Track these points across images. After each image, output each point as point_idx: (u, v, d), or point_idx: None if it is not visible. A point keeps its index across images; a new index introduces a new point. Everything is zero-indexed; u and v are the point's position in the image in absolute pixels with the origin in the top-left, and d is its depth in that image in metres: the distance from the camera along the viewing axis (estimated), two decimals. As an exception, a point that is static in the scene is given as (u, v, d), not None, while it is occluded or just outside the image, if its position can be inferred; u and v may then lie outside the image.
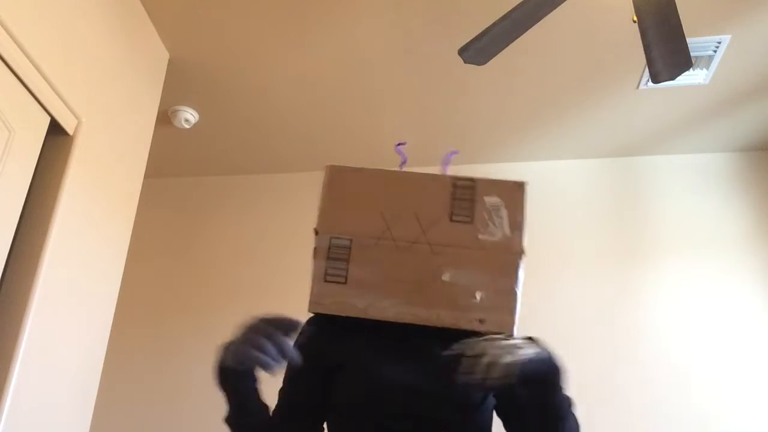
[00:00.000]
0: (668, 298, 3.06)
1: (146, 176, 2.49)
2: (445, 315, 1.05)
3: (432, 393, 1.03)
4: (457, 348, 0.92)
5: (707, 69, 2.72)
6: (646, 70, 2.63)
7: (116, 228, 2.24)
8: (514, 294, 1.09)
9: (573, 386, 3.28)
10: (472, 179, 1.14)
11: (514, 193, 1.17)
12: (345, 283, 1.07)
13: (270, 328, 0.91)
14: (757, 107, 2.99)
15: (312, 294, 1.08)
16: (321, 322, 1.13)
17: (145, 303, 3.31)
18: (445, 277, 1.07)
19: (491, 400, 1.07)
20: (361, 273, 1.07)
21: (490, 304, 1.07)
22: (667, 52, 1.96)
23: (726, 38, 2.54)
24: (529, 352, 0.92)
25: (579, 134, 3.27)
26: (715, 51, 2.61)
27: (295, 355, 0.93)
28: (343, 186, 1.14)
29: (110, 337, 2.19)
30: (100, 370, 2.13)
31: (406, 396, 1.03)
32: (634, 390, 2.88)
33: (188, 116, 3.07)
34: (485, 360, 0.87)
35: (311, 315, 1.13)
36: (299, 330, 0.94)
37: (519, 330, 1.07)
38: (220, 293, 3.30)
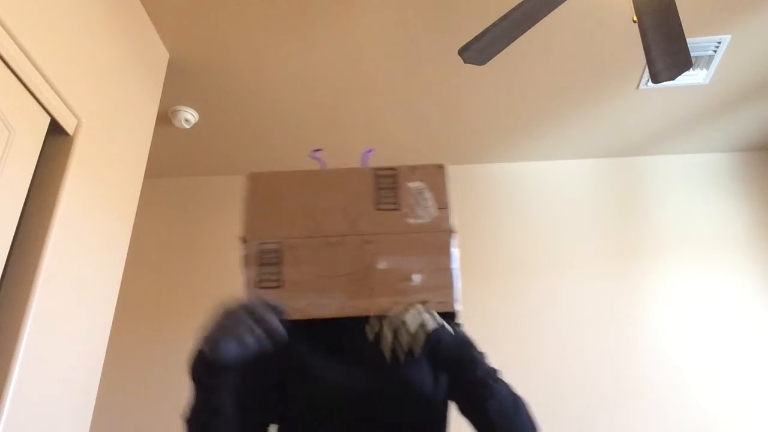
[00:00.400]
0: (668, 298, 3.06)
1: (146, 176, 2.49)
2: (386, 302, 1.05)
3: (380, 393, 1.02)
4: (371, 329, 0.95)
5: (707, 69, 2.72)
6: (646, 70, 2.64)
7: (116, 228, 2.24)
8: (450, 271, 1.09)
9: (572, 385, 3.28)
10: (392, 168, 1.16)
11: (435, 175, 1.17)
12: (280, 286, 1.06)
13: (253, 311, 0.89)
14: (757, 107, 2.99)
15: None
16: None
17: (145, 303, 3.31)
18: (381, 264, 1.07)
19: (440, 394, 1.06)
20: (295, 274, 1.07)
21: (428, 285, 1.07)
22: (667, 52, 1.96)
23: (726, 38, 2.54)
24: (434, 321, 0.97)
25: (579, 134, 3.27)
26: (715, 51, 2.61)
27: (283, 332, 0.91)
28: (266, 191, 1.14)
29: (110, 337, 2.19)
30: (100, 370, 2.12)
31: (355, 400, 1.02)
32: (633, 389, 2.88)
33: (188, 116, 3.07)
34: (403, 329, 0.92)
35: None
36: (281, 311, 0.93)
37: (460, 309, 1.09)
38: (220, 293, 3.30)
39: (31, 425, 1.74)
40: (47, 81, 1.82)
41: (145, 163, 2.47)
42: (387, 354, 0.97)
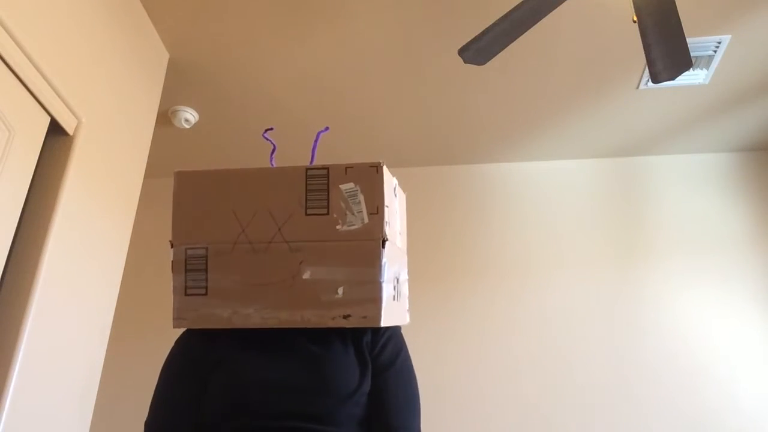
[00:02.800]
0: (668, 298, 3.06)
1: (146, 176, 2.49)
2: (309, 315, 1.02)
3: (303, 387, 1.01)
4: None
5: (707, 69, 2.72)
6: (646, 70, 2.63)
7: (116, 228, 2.24)
8: (378, 284, 1.02)
9: (572, 385, 3.28)
10: (324, 167, 1.08)
11: (370, 176, 1.08)
12: (206, 294, 1.04)
13: None
14: (757, 107, 2.99)
15: (174, 309, 1.05)
16: (183, 341, 1.12)
17: (145, 303, 3.31)
18: (306, 275, 1.03)
19: (364, 390, 1.05)
20: (220, 281, 1.05)
21: (354, 298, 1.02)
22: (667, 52, 1.96)
23: (726, 38, 2.54)
24: None
25: (579, 134, 3.27)
26: (715, 51, 2.61)
27: None
28: (194, 192, 1.10)
29: (110, 337, 2.19)
30: (100, 371, 2.12)
31: (278, 394, 1.01)
32: (633, 389, 2.88)
33: (188, 116, 3.07)
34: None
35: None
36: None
37: (390, 321, 1.06)
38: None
39: (31, 425, 1.73)
40: (47, 81, 1.82)
41: (145, 163, 2.47)
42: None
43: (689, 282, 3.08)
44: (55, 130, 1.90)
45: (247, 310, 1.03)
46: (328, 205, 1.06)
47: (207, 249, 1.06)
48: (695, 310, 3.02)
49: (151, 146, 2.54)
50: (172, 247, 1.07)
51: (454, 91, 2.92)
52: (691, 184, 3.32)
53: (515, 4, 1.91)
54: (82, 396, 2.02)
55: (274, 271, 1.04)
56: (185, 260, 1.06)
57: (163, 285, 3.38)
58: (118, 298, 2.25)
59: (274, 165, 1.24)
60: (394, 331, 1.15)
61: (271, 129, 1.35)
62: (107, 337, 2.17)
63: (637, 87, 2.87)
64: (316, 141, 1.23)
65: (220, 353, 1.06)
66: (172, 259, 1.06)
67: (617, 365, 2.94)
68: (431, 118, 3.14)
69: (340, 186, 1.07)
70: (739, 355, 2.89)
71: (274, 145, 1.31)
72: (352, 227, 1.05)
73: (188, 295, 1.04)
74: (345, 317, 1.02)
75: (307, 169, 1.08)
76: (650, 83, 2.76)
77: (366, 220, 1.05)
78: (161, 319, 3.28)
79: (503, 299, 3.15)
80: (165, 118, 3.04)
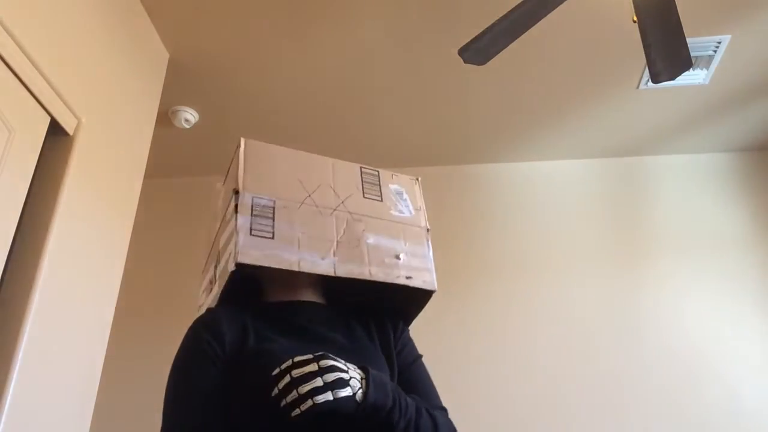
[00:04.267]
0: (668, 298, 3.06)
1: (146, 176, 2.49)
2: (376, 271, 1.09)
3: None
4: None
5: (707, 69, 2.72)
6: (646, 70, 2.63)
7: (116, 228, 2.23)
8: (430, 258, 1.18)
9: (573, 385, 3.27)
10: (375, 169, 1.24)
11: (412, 185, 1.27)
12: (272, 237, 1.05)
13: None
14: (757, 107, 2.99)
15: (238, 245, 1.02)
16: (198, 335, 1.01)
17: (145, 303, 3.31)
18: (369, 240, 1.13)
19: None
20: (288, 230, 1.07)
21: (412, 265, 1.14)
22: (667, 52, 1.96)
23: (726, 38, 2.54)
24: (343, 393, 0.85)
25: (579, 134, 3.27)
26: (715, 51, 2.61)
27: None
28: (261, 157, 1.16)
29: (110, 337, 2.18)
30: (100, 371, 2.12)
31: None
32: (633, 389, 2.88)
33: (188, 116, 3.07)
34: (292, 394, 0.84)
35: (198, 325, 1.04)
36: None
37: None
38: (220, 293, 3.30)
39: (31, 425, 1.73)
40: (47, 81, 1.82)
41: (145, 163, 2.47)
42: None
43: (689, 281, 3.08)
44: (55, 130, 1.90)
45: (315, 258, 1.06)
46: (381, 194, 1.21)
47: (274, 202, 1.09)
48: (695, 309, 3.02)
49: (151, 146, 2.54)
50: (236, 193, 1.08)
51: (454, 91, 2.92)
52: (691, 184, 3.32)
53: (515, 4, 1.91)
54: (82, 396, 2.02)
55: (339, 232, 1.11)
56: (251, 206, 1.07)
57: (163, 285, 3.38)
58: (118, 298, 2.25)
59: None
60: (407, 330, 1.22)
61: None
62: (107, 337, 2.17)
63: (637, 87, 2.87)
64: None
65: (258, 344, 0.99)
66: (236, 203, 1.06)
67: (617, 365, 2.94)
68: (431, 118, 3.14)
69: (389, 185, 1.23)
70: (739, 355, 2.89)
71: None
72: (403, 215, 1.20)
73: (254, 235, 1.04)
74: (407, 278, 1.12)
75: (361, 166, 1.23)
76: (650, 83, 2.76)
77: (413, 213, 1.22)
78: (162, 319, 3.28)
79: (501, 299, 3.15)
80: (165, 118, 3.04)
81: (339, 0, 2.40)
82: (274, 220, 1.07)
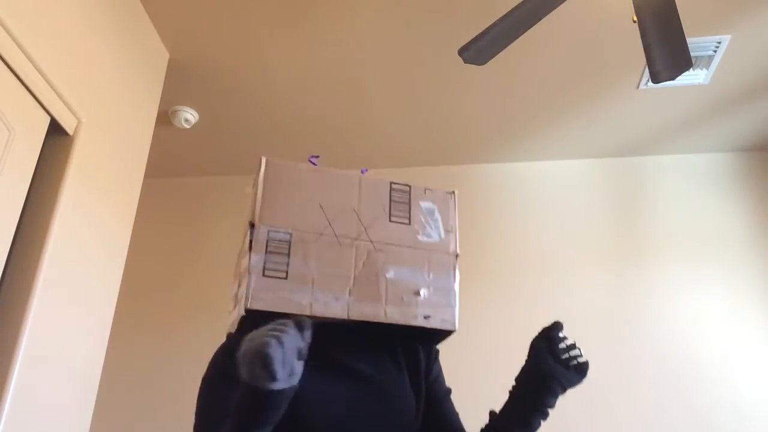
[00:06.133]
0: (668, 298, 3.06)
1: (146, 176, 2.49)
2: (392, 311, 1.04)
3: (370, 412, 0.98)
4: None
5: (707, 69, 2.72)
6: (646, 70, 2.63)
7: (116, 228, 2.24)
8: (454, 292, 1.11)
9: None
10: (407, 184, 1.17)
11: (446, 200, 1.19)
12: (285, 278, 1.02)
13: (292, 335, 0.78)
14: (757, 107, 2.99)
15: (249, 288, 1.00)
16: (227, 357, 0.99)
17: (145, 303, 3.31)
18: (389, 274, 1.07)
19: (419, 421, 1.05)
20: (303, 268, 1.03)
21: (433, 302, 1.08)
22: (667, 52, 1.96)
23: (726, 38, 2.54)
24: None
25: (579, 134, 3.27)
26: (715, 51, 2.61)
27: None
28: (282, 180, 1.10)
29: (110, 337, 2.19)
30: (100, 370, 2.12)
31: (342, 419, 0.97)
32: (632, 389, 2.88)
33: (188, 116, 3.07)
34: None
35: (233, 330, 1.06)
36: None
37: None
38: (220, 293, 3.29)
39: (31, 425, 1.74)
40: (47, 81, 1.82)
41: (145, 163, 2.47)
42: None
43: (689, 282, 3.08)
44: (55, 130, 1.90)
45: (328, 299, 1.02)
46: (409, 216, 1.13)
47: (291, 235, 1.05)
48: (694, 309, 3.02)
49: (151, 146, 2.54)
50: (252, 227, 1.04)
51: (454, 91, 2.92)
52: (691, 184, 3.32)
53: (515, 4, 1.91)
54: (82, 396, 2.02)
55: (358, 266, 1.06)
56: (267, 242, 1.03)
57: (164, 285, 3.38)
58: (118, 298, 2.25)
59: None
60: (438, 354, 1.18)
61: (317, 157, 1.35)
62: (107, 337, 2.17)
63: (637, 87, 2.87)
64: None
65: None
66: (250, 238, 1.03)
67: (616, 365, 2.94)
68: (431, 118, 3.14)
69: (420, 202, 1.16)
70: (739, 356, 2.89)
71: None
72: (431, 239, 1.13)
73: (266, 276, 1.01)
74: (425, 317, 1.06)
75: (392, 182, 1.16)
76: (650, 83, 2.76)
77: (443, 236, 1.14)
78: (162, 319, 3.29)
79: (502, 299, 3.15)
80: (165, 118, 3.04)
81: (339, 1, 2.40)
82: (289, 257, 1.03)
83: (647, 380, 2.89)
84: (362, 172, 1.28)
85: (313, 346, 0.95)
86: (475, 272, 3.23)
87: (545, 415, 1.03)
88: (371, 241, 1.08)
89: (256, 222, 1.05)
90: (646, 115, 3.08)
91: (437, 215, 1.16)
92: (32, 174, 1.81)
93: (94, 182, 2.07)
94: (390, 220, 1.11)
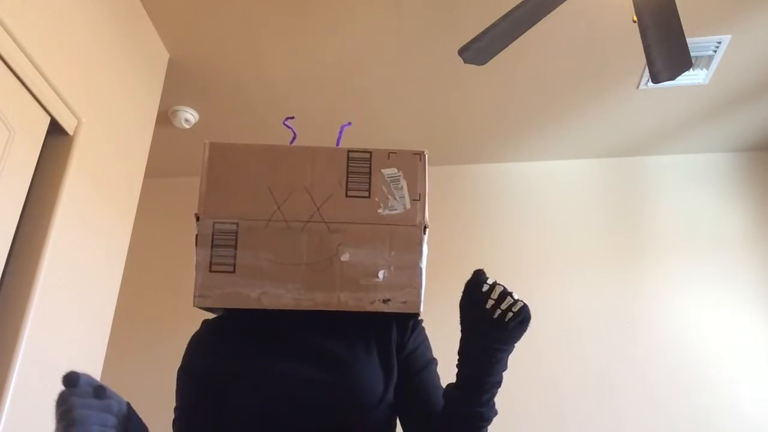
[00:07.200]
0: (668, 297, 3.06)
1: (146, 176, 2.49)
2: (346, 298, 0.98)
3: (327, 399, 0.96)
4: None
5: (707, 69, 2.72)
6: (646, 70, 2.63)
7: (116, 228, 2.24)
8: (419, 269, 1.01)
9: (573, 385, 3.26)
10: (367, 150, 1.05)
11: (413, 163, 1.05)
12: (233, 272, 0.98)
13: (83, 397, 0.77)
14: (757, 107, 2.99)
15: (196, 287, 0.98)
16: (204, 334, 1.05)
17: (145, 303, 3.31)
18: (344, 257, 0.99)
19: (388, 401, 1.01)
20: (250, 259, 0.98)
21: (394, 282, 0.99)
22: (667, 52, 1.96)
23: (726, 38, 2.54)
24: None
25: (579, 134, 3.27)
26: (715, 51, 2.61)
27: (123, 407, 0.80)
28: (227, 164, 1.04)
29: (110, 337, 2.19)
30: (100, 371, 2.13)
31: (300, 407, 0.96)
32: (632, 390, 2.88)
33: (188, 116, 3.07)
34: None
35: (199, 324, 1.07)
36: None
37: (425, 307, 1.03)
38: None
39: (31, 425, 1.73)
40: (47, 81, 1.82)
41: (145, 163, 2.47)
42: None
43: (688, 282, 3.08)
44: (55, 130, 1.90)
45: (279, 290, 0.97)
46: (369, 188, 1.03)
47: (237, 224, 1.00)
48: (694, 310, 3.02)
49: (151, 146, 2.54)
50: (197, 220, 1.00)
51: (454, 91, 2.92)
52: (691, 184, 3.32)
53: (515, 4, 1.91)
54: (82, 396, 2.01)
55: (310, 252, 0.99)
56: (212, 235, 0.99)
57: (164, 285, 3.38)
58: (118, 297, 2.25)
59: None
60: (421, 327, 1.11)
61: (292, 118, 1.30)
62: (107, 337, 2.17)
63: (637, 87, 2.87)
64: (340, 135, 1.19)
65: (239, 363, 0.99)
66: (196, 232, 0.99)
67: (616, 366, 2.94)
68: (431, 118, 3.14)
69: (382, 170, 1.04)
70: (739, 357, 2.89)
71: (294, 134, 1.24)
72: (394, 212, 1.02)
73: (213, 271, 0.98)
74: (384, 301, 0.99)
75: (349, 151, 1.04)
76: (650, 83, 2.76)
77: (408, 206, 1.03)
78: (162, 319, 3.28)
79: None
80: (165, 118, 3.04)
81: (339, 1, 2.40)
82: (236, 249, 0.98)
83: (647, 380, 2.89)
84: (346, 125, 1.23)
85: (282, 326, 1.01)
86: (470, 272, 3.23)
87: (499, 382, 0.98)
88: (324, 222, 1.00)
89: (201, 214, 1.01)
90: (646, 115, 3.08)
91: (402, 183, 1.04)
92: (32, 174, 1.81)
93: (94, 182, 2.07)
94: (347, 195, 1.02)
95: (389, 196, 1.03)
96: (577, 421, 2.83)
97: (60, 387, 0.77)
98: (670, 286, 3.09)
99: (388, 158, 1.05)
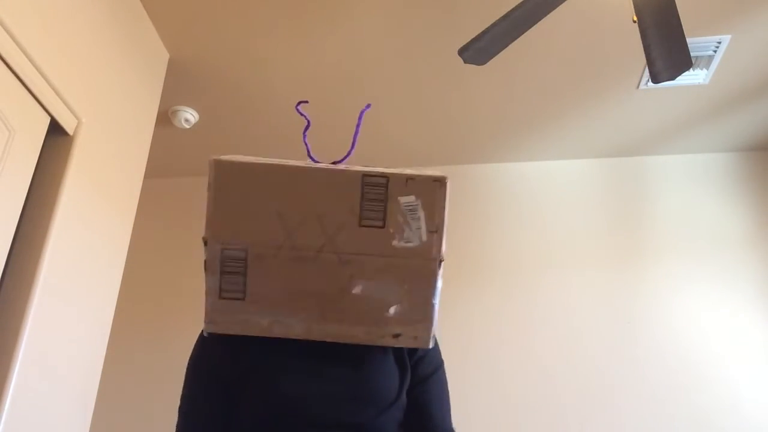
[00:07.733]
0: (668, 297, 3.06)
1: (146, 176, 2.49)
2: (357, 331, 0.96)
3: (344, 396, 0.97)
4: None
5: (707, 69, 2.72)
6: (646, 70, 2.64)
7: (116, 228, 2.24)
8: (432, 305, 0.97)
9: (573, 385, 3.27)
10: (384, 175, 0.96)
11: (433, 191, 0.96)
12: (243, 299, 0.96)
13: None
14: (757, 107, 2.99)
15: (206, 313, 0.97)
16: (206, 342, 1.06)
17: (145, 303, 3.31)
18: (356, 290, 0.96)
19: (404, 399, 1.03)
20: (260, 287, 0.96)
21: (405, 318, 0.96)
22: (667, 52, 1.96)
23: (726, 38, 2.54)
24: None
25: (579, 134, 3.27)
26: (715, 51, 2.61)
27: None
28: (234, 185, 0.98)
29: (110, 337, 2.19)
30: (100, 370, 2.13)
31: (317, 404, 0.97)
32: (632, 390, 2.88)
33: (188, 116, 3.07)
34: None
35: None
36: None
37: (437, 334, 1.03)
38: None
39: (31, 425, 1.74)
40: (47, 81, 1.82)
41: (145, 163, 2.47)
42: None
43: (688, 282, 3.08)
44: (55, 130, 1.90)
45: (289, 319, 0.96)
46: (384, 217, 0.96)
47: (246, 251, 0.96)
48: (694, 309, 3.02)
49: (151, 146, 2.54)
50: (205, 244, 0.97)
51: (454, 91, 2.92)
52: (690, 184, 3.32)
53: (515, 4, 1.91)
54: (82, 396, 2.02)
55: (321, 283, 0.96)
56: (220, 261, 0.97)
57: (163, 285, 3.38)
58: (118, 298, 2.26)
59: (308, 144, 1.18)
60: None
61: (306, 102, 1.27)
62: (107, 337, 2.17)
63: (637, 87, 2.87)
64: (359, 120, 1.14)
65: (253, 359, 1.00)
66: (205, 257, 0.97)
67: (616, 366, 2.94)
68: (431, 118, 3.14)
69: (399, 198, 0.96)
70: (739, 357, 2.89)
71: (308, 121, 1.19)
72: (409, 244, 0.96)
73: (223, 298, 0.96)
74: (395, 336, 0.96)
75: (364, 175, 0.96)
76: (650, 83, 2.76)
77: (424, 238, 0.96)
78: (162, 319, 3.28)
79: (502, 300, 3.15)
80: (165, 118, 3.04)
81: (339, 1, 2.40)
82: (246, 276, 0.96)
83: (647, 380, 2.89)
84: (366, 108, 1.16)
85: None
86: (475, 273, 3.23)
87: None
88: (336, 253, 0.96)
89: (209, 238, 0.98)
90: (646, 115, 3.08)
91: (419, 213, 0.96)
92: (32, 174, 1.81)
93: (94, 182, 2.07)
94: (360, 225, 0.96)
95: (405, 227, 0.96)
96: (577, 420, 2.83)
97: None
98: (670, 286, 3.09)
99: (406, 184, 0.96)
